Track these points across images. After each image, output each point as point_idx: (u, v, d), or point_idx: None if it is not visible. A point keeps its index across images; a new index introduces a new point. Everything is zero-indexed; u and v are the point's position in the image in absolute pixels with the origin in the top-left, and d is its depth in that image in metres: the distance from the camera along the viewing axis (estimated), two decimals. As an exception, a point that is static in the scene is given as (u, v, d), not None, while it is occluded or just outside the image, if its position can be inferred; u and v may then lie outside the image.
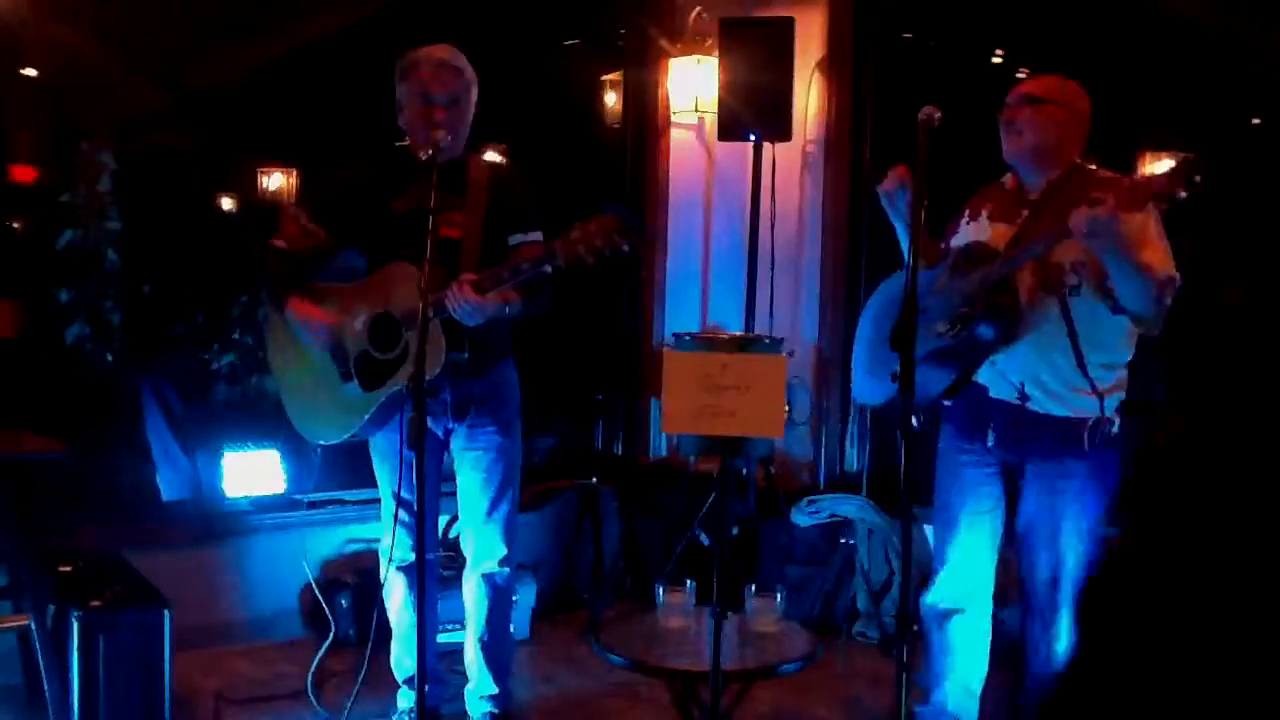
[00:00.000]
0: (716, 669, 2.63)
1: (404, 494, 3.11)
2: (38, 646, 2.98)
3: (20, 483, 3.06)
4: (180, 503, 4.75)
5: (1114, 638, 3.26)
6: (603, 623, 3.33)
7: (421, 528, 2.60)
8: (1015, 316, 2.81)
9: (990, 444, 2.97)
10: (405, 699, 3.35)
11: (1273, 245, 4.93)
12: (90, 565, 3.32)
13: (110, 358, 5.19)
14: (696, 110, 4.95)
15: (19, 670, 3.25)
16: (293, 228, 3.13)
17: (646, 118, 5.16)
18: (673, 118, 5.07)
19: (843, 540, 4.29)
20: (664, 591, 3.12)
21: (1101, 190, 2.53)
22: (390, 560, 3.20)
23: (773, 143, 4.65)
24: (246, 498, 4.26)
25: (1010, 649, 3.21)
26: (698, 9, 4.91)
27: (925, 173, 2.45)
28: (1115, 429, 2.90)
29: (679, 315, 5.11)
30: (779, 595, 3.09)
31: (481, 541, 3.21)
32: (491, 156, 4.67)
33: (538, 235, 3.10)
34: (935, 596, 3.09)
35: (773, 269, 4.76)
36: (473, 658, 3.30)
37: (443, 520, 3.61)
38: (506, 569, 3.23)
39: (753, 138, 4.61)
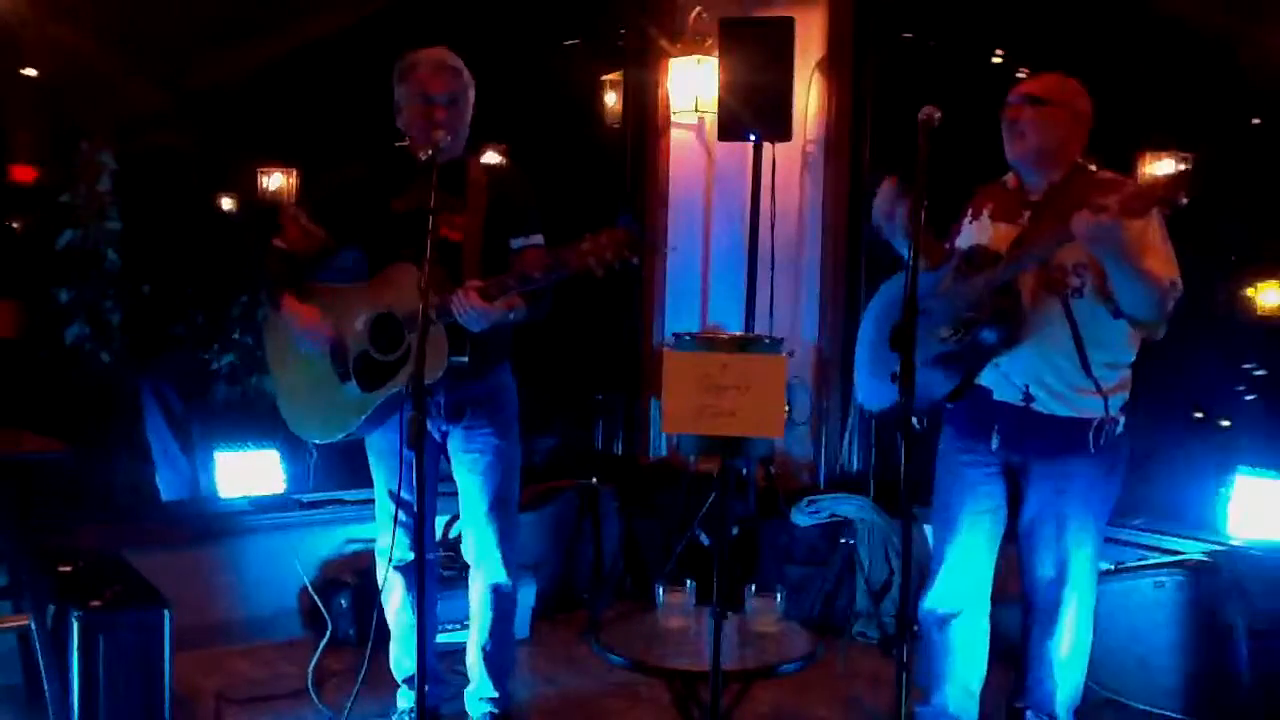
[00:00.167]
0: (716, 669, 2.63)
1: (403, 494, 3.10)
2: (38, 646, 2.98)
3: (20, 483, 3.06)
4: (180, 503, 4.75)
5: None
6: (603, 623, 3.33)
7: (421, 528, 2.60)
8: (1019, 319, 2.81)
9: (994, 446, 2.96)
10: (405, 699, 3.35)
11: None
12: (90, 565, 3.31)
13: (110, 358, 5.19)
14: (696, 110, 4.95)
15: (19, 670, 3.24)
16: (293, 229, 3.13)
17: (646, 118, 5.17)
18: (673, 118, 5.07)
19: (843, 540, 4.28)
20: (664, 591, 3.12)
21: (1104, 193, 2.53)
22: (389, 560, 3.20)
23: (773, 143, 4.65)
24: (246, 498, 4.26)
25: (1009, 650, 3.21)
26: (698, 9, 4.91)
27: (925, 173, 2.45)
28: (1120, 429, 2.90)
29: (679, 315, 5.11)
30: (779, 595, 3.09)
31: (482, 545, 3.21)
32: (491, 157, 4.68)
33: (539, 238, 3.10)
34: (934, 598, 3.08)
35: (773, 269, 4.76)
36: (474, 661, 3.30)
37: (442, 520, 3.61)
38: (512, 581, 3.23)
39: (753, 138, 4.61)
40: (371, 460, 3.23)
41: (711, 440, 2.70)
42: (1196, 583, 3.44)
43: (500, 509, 3.18)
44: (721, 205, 5.04)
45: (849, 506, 4.32)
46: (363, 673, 3.15)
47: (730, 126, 4.63)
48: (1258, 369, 5.40)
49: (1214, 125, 4.93)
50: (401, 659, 3.32)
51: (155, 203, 5.42)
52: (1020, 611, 3.11)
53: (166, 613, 3.06)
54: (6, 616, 3.07)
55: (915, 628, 2.84)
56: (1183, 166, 4.82)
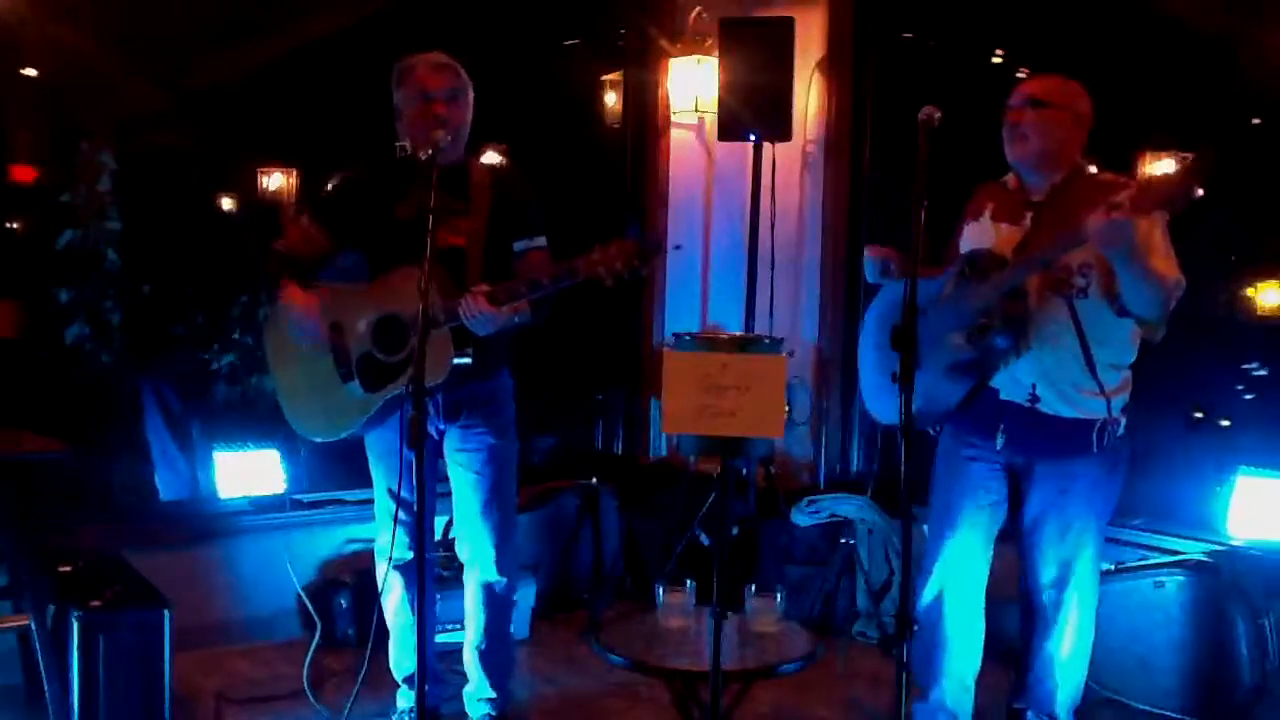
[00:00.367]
0: (716, 669, 2.63)
1: (403, 494, 3.10)
2: (38, 646, 2.98)
3: (20, 483, 3.06)
4: (180, 503, 4.75)
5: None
6: (603, 623, 3.32)
7: (421, 527, 2.60)
8: (1028, 323, 2.82)
9: (999, 445, 2.96)
10: (404, 699, 3.35)
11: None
12: (90, 565, 3.32)
13: (110, 358, 5.19)
14: (696, 110, 4.95)
15: (19, 670, 3.25)
16: (294, 231, 3.13)
17: (646, 118, 5.17)
18: (673, 118, 5.07)
19: (843, 540, 4.28)
20: (664, 591, 3.12)
21: (1106, 193, 2.53)
22: (389, 560, 3.20)
23: (773, 143, 4.65)
24: (246, 498, 4.26)
25: (1008, 650, 3.21)
26: (698, 9, 4.91)
27: (926, 173, 2.45)
28: (1121, 429, 2.90)
29: (679, 315, 5.11)
30: (779, 595, 3.09)
31: (476, 545, 3.20)
32: (491, 157, 4.68)
33: (541, 240, 3.11)
34: (931, 593, 3.08)
35: (773, 269, 4.76)
36: (471, 662, 3.30)
37: (441, 521, 3.61)
38: (505, 578, 3.23)
39: (753, 138, 4.61)
40: (371, 460, 3.23)
41: (711, 440, 2.70)
42: (1196, 583, 3.44)
43: (495, 508, 3.18)
44: (721, 205, 5.04)
45: (849, 506, 4.32)
46: (362, 673, 3.14)
47: (730, 126, 4.63)
48: (1258, 369, 5.40)
49: (1214, 125, 4.93)
50: (401, 659, 3.32)
51: (155, 203, 5.41)
52: (1019, 611, 3.11)
53: (166, 613, 3.07)
54: (6, 616, 3.08)
55: (915, 627, 2.82)
56: (1187, 161, 4.82)
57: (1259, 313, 5.71)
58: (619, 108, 5.39)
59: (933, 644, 3.09)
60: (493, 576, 3.21)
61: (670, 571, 4.04)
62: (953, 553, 3.05)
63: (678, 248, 5.01)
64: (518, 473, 3.28)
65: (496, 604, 3.25)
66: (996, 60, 5.27)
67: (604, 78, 5.56)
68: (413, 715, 3.17)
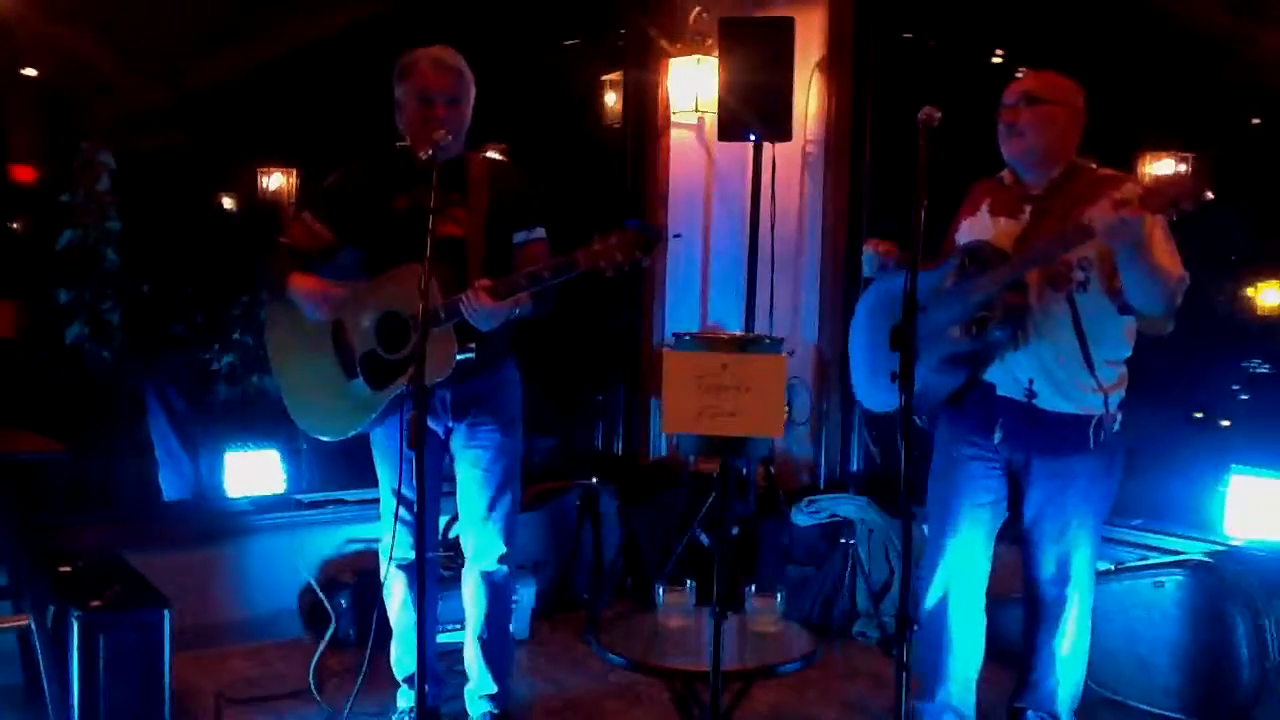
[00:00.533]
0: (716, 669, 2.63)
1: (405, 492, 3.11)
2: (38, 646, 2.98)
3: (20, 483, 3.06)
4: (180, 503, 4.76)
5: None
6: (603, 623, 3.33)
7: (422, 526, 2.60)
8: (1027, 316, 2.82)
9: (997, 441, 2.97)
10: (405, 698, 3.35)
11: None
12: (90, 565, 3.32)
13: (110, 358, 5.19)
14: (696, 110, 4.95)
15: (19, 670, 3.25)
16: (299, 229, 3.13)
17: (646, 118, 5.17)
18: (673, 118, 5.07)
19: (843, 540, 4.29)
20: (664, 591, 3.11)
21: (1107, 187, 2.54)
22: (390, 558, 3.20)
23: (773, 143, 4.65)
24: (246, 498, 4.26)
25: (1008, 649, 3.21)
26: (698, 9, 4.91)
27: (926, 173, 2.45)
28: (1118, 426, 2.91)
29: (679, 315, 5.11)
30: (779, 595, 3.09)
31: (480, 539, 3.21)
32: (491, 155, 4.68)
33: (540, 232, 3.12)
34: (935, 595, 3.08)
35: (773, 269, 4.76)
36: (472, 656, 3.30)
37: (443, 520, 3.61)
38: (505, 567, 3.23)
39: (753, 138, 4.61)
40: (376, 457, 3.24)
41: (711, 440, 2.70)
42: (1196, 582, 3.44)
43: (501, 505, 3.19)
44: (721, 205, 5.04)
45: (849, 506, 4.32)
46: (363, 672, 3.15)
47: (730, 126, 4.63)
48: (1258, 369, 5.41)
49: (1214, 125, 4.93)
50: (402, 658, 3.32)
51: (155, 203, 5.41)
52: (1021, 611, 3.11)
53: (166, 613, 3.06)
54: (6, 616, 3.07)
55: (915, 627, 2.83)
56: (1184, 167, 4.83)
57: (1259, 313, 5.72)
58: (619, 107, 5.39)
59: (938, 645, 3.09)
60: (493, 565, 3.21)
61: (670, 571, 4.04)
62: (955, 553, 3.05)
63: (677, 235, 5.01)
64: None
65: (498, 594, 3.25)
66: (996, 60, 5.28)
67: (604, 77, 5.56)
68: (413, 715, 3.17)
